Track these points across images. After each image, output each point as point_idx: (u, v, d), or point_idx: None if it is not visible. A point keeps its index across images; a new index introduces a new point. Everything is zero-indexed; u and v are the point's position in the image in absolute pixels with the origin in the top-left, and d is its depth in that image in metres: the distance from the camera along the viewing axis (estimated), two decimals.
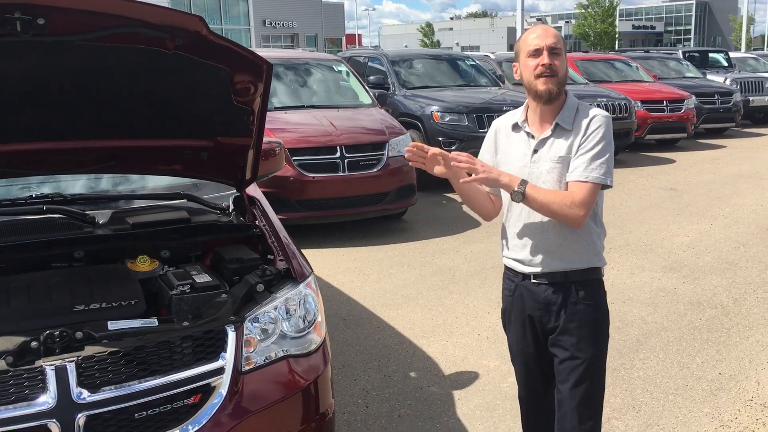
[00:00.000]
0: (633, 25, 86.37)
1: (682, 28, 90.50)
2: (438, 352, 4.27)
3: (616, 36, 60.43)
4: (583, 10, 64.26)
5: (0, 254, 2.49)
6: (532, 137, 2.41)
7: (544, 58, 2.32)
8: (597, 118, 2.35)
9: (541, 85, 2.33)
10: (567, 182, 2.34)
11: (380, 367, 4.08)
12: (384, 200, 7.08)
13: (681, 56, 17.71)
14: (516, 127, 2.47)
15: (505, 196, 2.45)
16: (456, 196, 8.86)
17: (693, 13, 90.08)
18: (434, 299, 5.24)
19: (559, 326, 2.43)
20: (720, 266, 6.01)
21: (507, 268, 2.57)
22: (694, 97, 13.22)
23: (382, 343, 4.44)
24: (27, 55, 2.17)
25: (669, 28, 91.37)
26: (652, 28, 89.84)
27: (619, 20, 63.52)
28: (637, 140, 12.14)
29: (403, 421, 3.49)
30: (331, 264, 6.12)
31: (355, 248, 6.65)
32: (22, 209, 2.75)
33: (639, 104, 12.23)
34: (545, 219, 2.37)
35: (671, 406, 3.62)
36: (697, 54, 19.67)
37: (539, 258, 2.42)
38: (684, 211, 8.13)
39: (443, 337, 4.53)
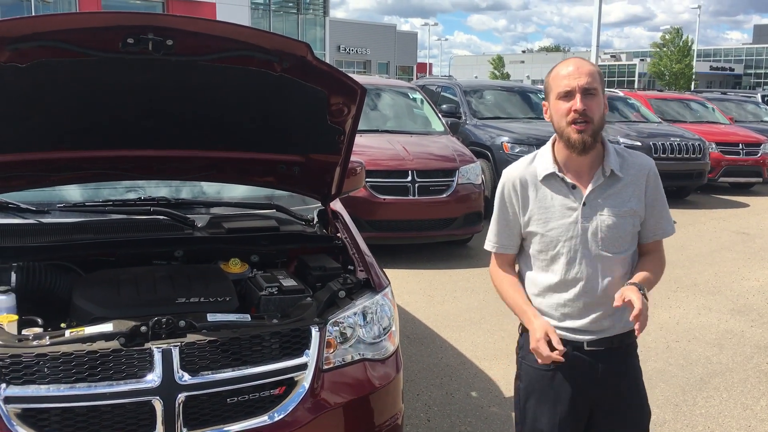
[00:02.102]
0: (711, 66, 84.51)
1: (763, 71, 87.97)
2: (499, 375, 4.37)
3: (693, 76, 59.27)
4: (658, 50, 63.36)
5: (111, 248, 2.77)
6: (573, 188, 2.15)
7: (577, 103, 2.05)
8: (653, 167, 2.21)
9: (573, 133, 2.07)
10: (646, 243, 2.22)
11: (442, 385, 4.21)
12: (451, 225, 7.23)
13: (760, 99, 17.34)
14: (549, 178, 2.17)
15: (545, 256, 2.19)
16: None
17: None
18: (497, 324, 5.33)
19: (617, 397, 2.22)
20: None
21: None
22: None
23: (445, 362, 4.57)
24: (152, 71, 2.43)
25: (749, 71, 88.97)
26: (731, 70, 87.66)
27: (697, 61, 62.34)
28: (709, 182, 11.95)
29: None
30: (396, 284, 6.24)
31: (421, 271, 6.81)
32: (131, 209, 3.02)
33: (713, 146, 12.05)
34: (606, 279, 2.15)
35: None
36: None
37: (597, 323, 2.17)
38: (756, 255, 7.98)
39: (505, 361, 4.62)
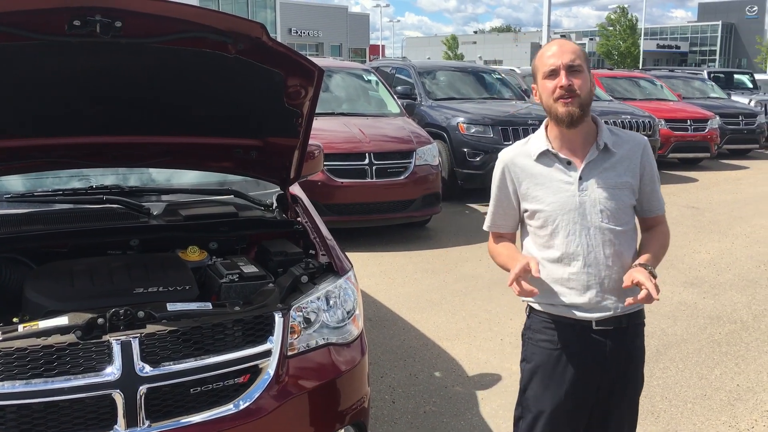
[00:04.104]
0: (657, 45, 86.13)
1: (707, 48, 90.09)
2: (462, 355, 4.40)
3: (640, 55, 60.42)
4: (604, 30, 64.37)
5: (63, 239, 2.68)
6: (568, 163, 2.21)
7: (562, 79, 2.12)
8: (648, 145, 2.28)
9: (560, 107, 2.13)
10: (646, 217, 2.30)
11: (406, 366, 4.22)
12: (409, 207, 7.24)
13: (706, 76, 17.75)
14: (544, 156, 2.23)
15: (544, 231, 2.22)
16: (479, 207, 9.01)
17: (719, 34, 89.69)
18: (458, 304, 5.37)
19: (620, 378, 2.26)
20: (740, 283, 6.09)
21: (551, 317, 2.25)
22: (718, 118, 13.28)
23: (408, 344, 4.58)
24: (101, 55, 2.34)
25: (694, 49, 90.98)
26: (677, 47, 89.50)
27: (644, 39, 63.52)
28: (659, 158, 12.18)
29: (429, 418, 3.63)
30: (356, 267, 6.19)
31: (381, 253, 6.80)
32: (83, 198, 2.93)
33: (663, 123, 12.31)
34: (608, 251, 2.18)
35: (689, 414, 3.72)
36: (722, 75, 19.71)
37: (602, 298, 2.19)
38: (705, 229, 8.20)
39: (467, 340, 4.66)
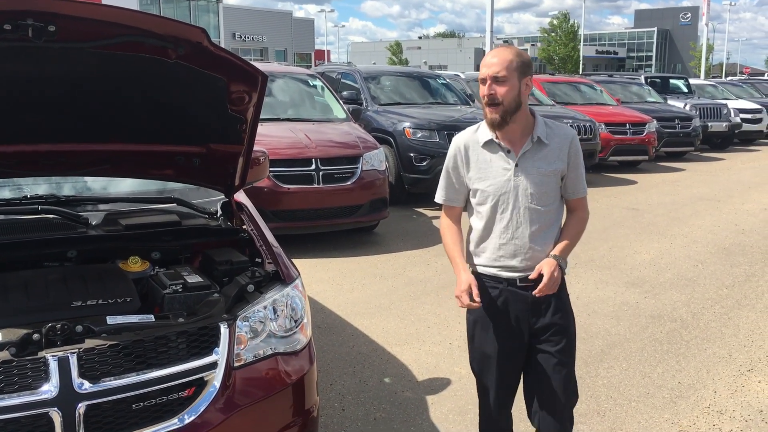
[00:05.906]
0: (596, 50, 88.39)
1: (644, 54, 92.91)
2: (411, 359, 4.40)
3: (580, 60, 61.90)
4: (546, 35, 65.83)
5: None
6: (508, 152, 2.56)
7: (485, 89, 2.47)
8: (575, 137, 2.63)
9: (488, 113, 2.50)
10: (570, 199, 2.67)
11: (355, 373, 4.20)
12: (357, 213, 7.21)
13: (643, 81, 18.26)
14: (489, 144, 2.59)
15: (484, 207, 2.62)
16: (426, 211, 9.05)
17: (654, 40, 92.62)
18: (407, 309, 5.37)
19: (548, 322, 2.63)
20: (679, 282, 6.27)
21: (486, 277, 2.67)
22: (655, 121, 13.67)
23: (357, 350, 4.55)
24: (34, 60, 2.26)
25: (631, 54, 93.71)
26: (615, 53, 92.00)
27: (583, 45, 65.10)
28: (600, 161, 12.50)
29: (379, 424, 3.61)
30: (304, 274, 6.16)
31: (329, 259, 6.76)
32: (17, 209, 2.81)
33: (603, 126, 12.59)
34: (533, 227, 2.58)
35: (633, 412, 3.80)
36: (658, 80, 20.26)
37: (529, 263, 2.58)
38: (645, 230, 8.41)
39: (416, 345, 4.66)
